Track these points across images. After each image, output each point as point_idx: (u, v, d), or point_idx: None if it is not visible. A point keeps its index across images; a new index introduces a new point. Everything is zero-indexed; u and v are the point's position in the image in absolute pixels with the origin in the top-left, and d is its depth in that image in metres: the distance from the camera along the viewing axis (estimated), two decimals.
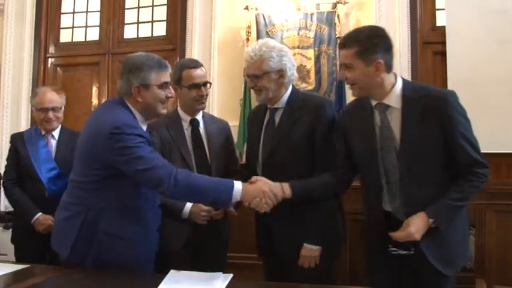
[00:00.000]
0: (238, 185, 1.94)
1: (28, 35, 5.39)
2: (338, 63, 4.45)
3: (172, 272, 1.85)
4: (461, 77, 4.25)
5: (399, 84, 1.95)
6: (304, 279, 1.96)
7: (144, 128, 2.08)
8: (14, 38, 5.36)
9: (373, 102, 1.99)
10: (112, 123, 1.91)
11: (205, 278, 1.81)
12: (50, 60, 5.54)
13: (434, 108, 1.86)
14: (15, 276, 1.84)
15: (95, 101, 5.39)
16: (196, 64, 2.44)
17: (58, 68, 5.55)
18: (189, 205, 2.29)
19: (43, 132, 2.92)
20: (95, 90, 5.41)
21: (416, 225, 1.85)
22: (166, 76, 2.06)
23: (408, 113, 1.90)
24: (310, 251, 2.12)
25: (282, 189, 2.01)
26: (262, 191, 1.97)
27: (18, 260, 2.70)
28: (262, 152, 2.24)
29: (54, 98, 2.91)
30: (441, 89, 2.01)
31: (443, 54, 4.41)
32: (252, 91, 2.37)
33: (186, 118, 2.48)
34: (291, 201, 2.04)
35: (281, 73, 2.18)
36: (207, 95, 2.46)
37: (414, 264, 1.94)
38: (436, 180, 1.90)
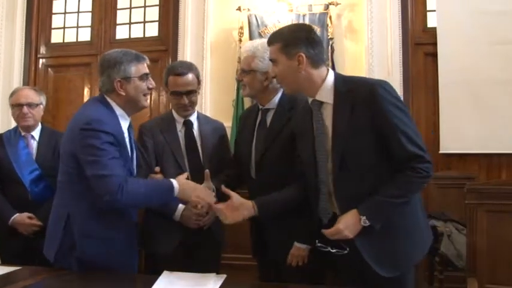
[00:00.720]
0: (175, 183, 1.98)
1: (19, 35, 5.35)
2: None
3: (165, 273, 1.85)
4: (452, 78, 4.29)
5: (330, 79, 1.90)
6: (296, 280, 1.97)
7: (126, 123, 2.12)
8: (5, 39, 5.31)
9: (309, 100, 1.96)
10: (84, 119, 1.95)
11: (199, 279, 1.81)
12: (41, 61, 5.50)
13: (363, 100, 1.79)
14: (5, 278, 1.83)
15: None
16: (182, 71, 2.39)
17: (49, 69, 5.51)
18: (180, 208, 2.28)
19: (23, 133, 2.87)
20: (86, 91, 5.38)
21: (345, 222, 1.78)
22: (145, 68, 2.15)
23: (339, 107, 1.85)
24: (299, 250, 2.13)
25: (251, 207, 2.00)
26: (195, 188, 2.03)
27: (4, 263, 2.66)
28: (254, 153, 2.23)
29: (29, 94, 2.88)
30: (373, 79, 1.92)
31: (434, 55, 4.43)
32: None
33: (179, 119, 2.47)
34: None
35: (267, 75, 2.17)
36: (193, 102, 2.44)
37: (357, 264, 1.85)
38: (373, 176, 1.81)
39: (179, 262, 2.18)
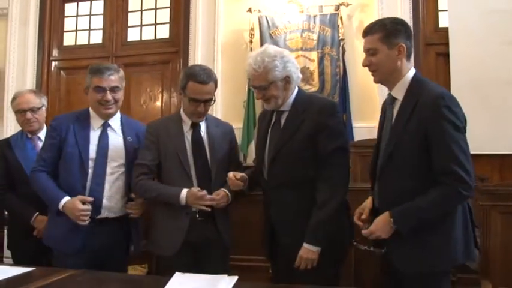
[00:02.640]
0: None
1: (32, 38, 5.43)
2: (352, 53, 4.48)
3: (177, 274, 1.85)
4: (464, 78, 4.26)
5: (410, 75, 1.99)
6: (310, 281, 1.94)
7: (99, 123, 2.42)
8: (18, 42, 5.40)
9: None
10: None
11: (210, 281, 1.81)
12: (53, 64, 5.58)
13: (424, 107, 1.86)
14: (19, 279, 1.84)
15: None
16: (204, 79, 2.32)
17: (61, 71, 5.58)
18: (184, 191, 2.27)
19: (29, 135, 2.91)
20: None
21: (377, 224, 1.91)
22: (101, 81, 2.34)
23: (404, 106, 1.95)
24: (309, 252, 2.06)
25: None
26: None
27: (16, 263, 2.69)
28: (267, 154, 2.24)
29: (31, 98, 2.89)
30: (442, 90, 1.93)
31: (446, 55, 4.41)
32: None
33: (187, 121, 2.43)
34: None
35: (287, 79, 2.18)
36: (207, 109, 2.40)
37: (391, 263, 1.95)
38: (413, 178, 1.89)
39: (186, 264, 2.17)
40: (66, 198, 2.29)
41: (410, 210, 1.86)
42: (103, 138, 2.41)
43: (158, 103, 5.27)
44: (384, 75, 2.02)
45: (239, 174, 2.22)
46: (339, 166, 2.11)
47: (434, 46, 4.56)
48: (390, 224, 1.87)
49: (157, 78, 5.33)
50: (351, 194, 2.25)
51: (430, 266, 1.87)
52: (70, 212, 2.27)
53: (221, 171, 2.35)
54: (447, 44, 4.39)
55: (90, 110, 2.46)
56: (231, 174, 2.22)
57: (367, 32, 2.02)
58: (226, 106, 4.80)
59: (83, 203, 2.28)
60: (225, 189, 2.31)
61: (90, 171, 2.36)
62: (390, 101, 2.04)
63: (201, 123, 2.44)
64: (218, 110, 4.74)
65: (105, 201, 2.35)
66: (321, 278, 1.97)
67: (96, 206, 2.32)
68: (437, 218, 1.87)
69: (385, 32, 1.96)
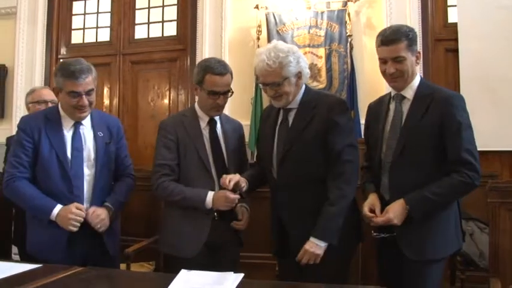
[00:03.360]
0: None
1: (40, 36, 5.46)
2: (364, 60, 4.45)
3: (183, 271, 1.85)
4: (473, 74, 4.22)
5: (418, 78, 2.14)
6: (317, 278, 1.92)
7: (70, 122, 2.29)
8: (27, 40, 5.44)
9: (393, 93, 2.18)
10: None
11: (216, 278, 1.81)
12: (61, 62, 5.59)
13: (437, 104, 2.03)
14: (26, 276, 1.85)
15: (106, 102, 5.44)
16: (222, 71, 2.30)
17: None
18: (210, 195, 2.22)
19: None
20: (106, 90, 5.46)
21: (394, 211, 2.00)
22: (75, 86, 2.18)
23: (415, 105, 2.09)
24: (315, 247, 2.02)
25: None
26: None
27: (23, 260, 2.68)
28: (276, 153, 2.21)
29: (51, 92, 3.03)
30: (451, 91, 2.16)
31: (455, 51, 4.37)
32: (263, 91, 2.34)
33: (204, 117, 2.39)
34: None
35: (299, 75, 2.17)
36: (225, 102, 2.37)
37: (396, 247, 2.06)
38: (425, 170, 2.04)
39: (204, 263, 2.14)
40: (59, 207, 2.18)
41: (426, 198, 1.98)
42: (76, 138, 2.30)
43: (166, 100, 5.28)
44: (406, 81, 2.11)
45: (233, 181, 2.16)
46: (349, 163, 2.11)
47: (443, 42, 4.52)
48: (405, 211, 1.99)
49: (164, 75, 5.33)
50: (358, 191, 2.24)
51: (434, 253, 2.03)
52: (62, 219, 2.17)
53: (236, 168, 2.35)
54: (456, 40, 4.35)
55: (60, 109, 2.32)
56: (226, 180, 2.16)
57: (393, 40, 2.06)
58: (234, 103, 4.75)
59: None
60: (244, 205, 2.33)
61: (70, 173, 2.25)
62: (399, 99, 2.14)
63: (216, 120, 2.42)
64: (226, 107, 4.69)
65: (85, 205, 2.27)
66: (329, 276, 1.96)
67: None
68: (447, 206, 2.04)
69: (409, 41, 2.06)
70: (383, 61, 2.12)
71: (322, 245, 2.03)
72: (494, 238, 2.43)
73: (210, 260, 2.24)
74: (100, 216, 2.24)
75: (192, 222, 2.27)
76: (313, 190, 2.12)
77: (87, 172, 2.31)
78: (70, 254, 2.21)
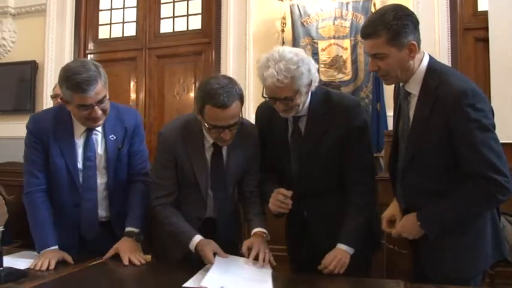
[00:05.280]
0: None
1: (68, 33, 5.59)
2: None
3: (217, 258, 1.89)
4: (504, 64, 4.08)
5: (424, 64, 1.80)
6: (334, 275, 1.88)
7: (81, 129, 2.09)
8: (56, 37, 5.57)
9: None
10: None
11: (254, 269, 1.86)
12: (89, 57, 5.70)
13: (445, 105, 1.70)
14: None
15: (133, 95, 5.51)
16: (225, 102, 1.87)
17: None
18: (195, 241, 1.97)
19: None
20: (132, 84, 5.53)
21: (402, 226, 1.85)
22: (85, 100, 1.93)
23: (422, 103, 1.78)
24: (346, 255, 1.91)
25: None
26: None
27: None
28: (293, 165, 2.10)
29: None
30: (464, 84, 1.71)
31: (485, 40, 4.23)
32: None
33: (209, 138, 2.07)
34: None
35: (310, 83, 1.98)
36: (233, 134, 1.99)
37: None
38: (438, 178, 1.79)
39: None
40: (52, 248, 2.01)
41: (438, 215, 1.76)
42: (89, 147, 2.12)
43: (191, 94, 5.31)
44: (397, 78, 1.83)
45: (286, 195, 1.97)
46: (371, 167, 2.08)
47: (473, 31, 4.38)
48: (417, 226, 1.78)
49: (190, 69, 5.36)
50: (383, 184, 2.22)
51: (460, 272, 1.77)
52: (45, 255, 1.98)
53: (237, 183, 2.20)
54: (486, 29, 4.20)
55: (72, 115, 2.10)
56: (280, 195, 1.97)
57: (369, 34, 1.75)
58: (259, 97, 4.75)
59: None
60: (262, 229, 2.06)
61: (80, 184, 2.11)
62: (404, 95, 1.87)
63: None
64: (250, 100, 4.74)
65: (101, 212, 2.17)
66: (351, 267, 1.92)
67: (93, 223, 2.15)
68: (468, 221, 1.75)
69: (391, 33, 1.70)
70: (368, 54, 1.86)
71: (351, 252, 1.94)
72: None
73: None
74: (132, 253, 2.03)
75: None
76: (335, 196, 2.08)
77: (100, 181, 2.15)
78: (81, 243, 2.17)
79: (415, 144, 1.81)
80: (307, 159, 2.05)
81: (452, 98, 1.67)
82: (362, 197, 2.00)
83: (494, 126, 1.72)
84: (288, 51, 1.92)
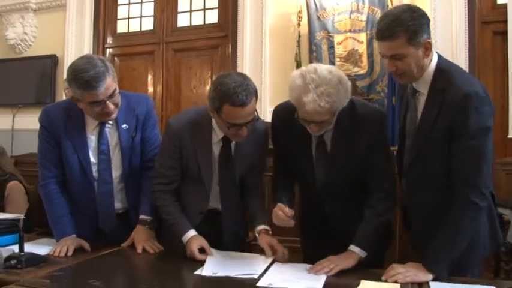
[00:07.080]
0: None
1: (88, 27, 5.70)
2: None
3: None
4: None
5: (433, 64, 1.83)
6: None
7: (93, 123, 2.10)
8: (75, 31, 5.69)
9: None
10: None
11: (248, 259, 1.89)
12: (108, 51, 5.81)
13: (451, 106, 1.73)
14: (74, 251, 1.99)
15: (150, 89, 5.58)
16: (243, 100, 1.84)
17: (115, 58, 5.80)
18: (189, 235, 2.00)
19: None
20: (150, 78, 5.61)
21: (415, 275, 1.74)
22: (94, 96, 1.92)
23: (430, 103, 1.81)
24: (359, 259, 1.89)
25: None
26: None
27: None
28: (317, 177, 2.07)
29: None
30: (468, 88, 1.73)
31: (504, 34, 4.18)
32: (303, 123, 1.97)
33: (219, 133, 2.05)
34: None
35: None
36: (250, 130, 1.97)
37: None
38: (442, 175, 1.80)
39: None
40: (67, 238, 2.05)
41: (443, 258, 1.74)
42: (102, 140, 2.12)
43: (207, 87, 5.36)
44: (413, 77, 1.84)
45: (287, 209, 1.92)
46: (392, 176, 2.05)
47: (491, 24, 4.32)
48: (431, 275, 1.72)
49: (206, 62, 5.41)
50: None
51: (459, 269, 1.80)
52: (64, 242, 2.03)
53: (245, 182, 2.20)
54: (505, 22, 4.15)
55: (85, 112, 2.09)
56: (280, 212, 1.92)
57: (387, 36, 1.76)
58: (274, 89, 4.80)
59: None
60: (266, 227, 2.08)
61: (95, 179, 2.13)
62: (412, 92, 1.89)
63: None
64: (266, 93, 4.77)
65: (117, 204, 2.19)
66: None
67: (110, 216, 2.17)
68: (470, 237, 1.76)
69: (409, 34, 1.73)
70: (382, 55, 1.87)
71: (363, 256, 1.92)
72: None
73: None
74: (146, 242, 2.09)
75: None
76: (359, 202, 2.04)
77: (115, 174, 2.16)
78: (100, 235, 2.19)
79: (420, 143, 1.84)
80: (333, 172, 2.03)
81: (458, 100, 1.71)
82: (381, 202, 1.98)
83: (490, 129, 1.76)
84: (326, 72, 1.82)
